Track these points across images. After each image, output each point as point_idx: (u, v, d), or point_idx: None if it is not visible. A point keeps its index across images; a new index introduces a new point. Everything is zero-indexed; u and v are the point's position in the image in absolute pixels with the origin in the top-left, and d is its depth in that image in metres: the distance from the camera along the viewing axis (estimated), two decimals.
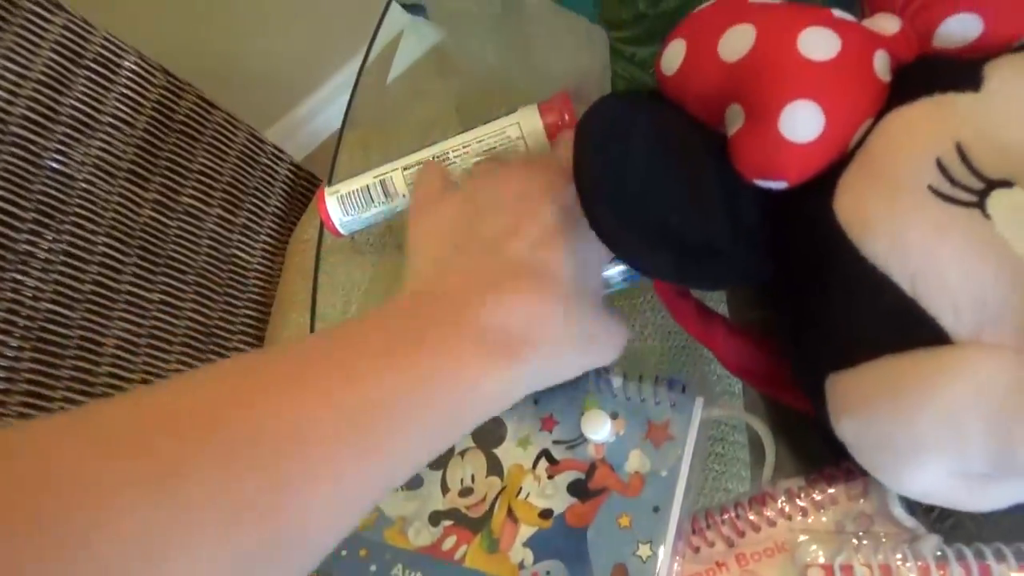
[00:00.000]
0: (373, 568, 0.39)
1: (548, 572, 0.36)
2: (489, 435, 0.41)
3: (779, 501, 0.35)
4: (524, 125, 0.45)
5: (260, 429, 0.25)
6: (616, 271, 0.39)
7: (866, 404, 0.29)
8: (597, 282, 0.35)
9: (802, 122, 0.29)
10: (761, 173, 0.31)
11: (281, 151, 0.91)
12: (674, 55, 0.33)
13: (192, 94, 0.83)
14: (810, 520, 0.34)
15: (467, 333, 0.30)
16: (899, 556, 0.32)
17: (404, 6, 0.54)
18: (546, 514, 0.37)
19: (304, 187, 0.94)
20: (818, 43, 0.29)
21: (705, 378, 0.43)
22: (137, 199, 0.79)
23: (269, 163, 0.89)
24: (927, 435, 0.27)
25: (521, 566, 0.37)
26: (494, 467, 0.40)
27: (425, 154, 0.46)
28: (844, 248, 0.30)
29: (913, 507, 0.33)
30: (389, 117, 0.68)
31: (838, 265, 0.30)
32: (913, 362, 0.28)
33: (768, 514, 0.34)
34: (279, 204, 0.91)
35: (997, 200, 0.27)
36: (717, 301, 0.44)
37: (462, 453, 0.41)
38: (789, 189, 0.31)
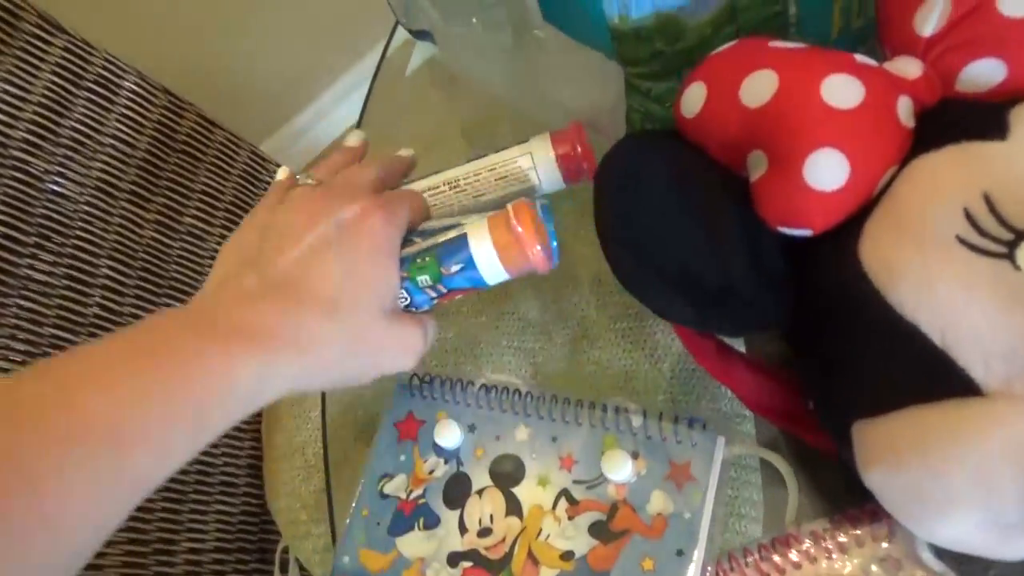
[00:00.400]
0: None
1: None
2: (507, 474, 0.41)
3: (804, 543, 0.34)
4: (536, 155, 0.44)
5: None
6: (423, 298, 0.40)
7: (895, 455, 0.28)
8: (381, 293, 0.38)
9: (827, 170, 0.29)
10: (785, 221, 0.31)
11: None
12: (694, 98, 0.33)
13: (193, 113, 0.82)
14: (836, 564, 0.33)
15: (215, 334, 0.34)
16: None
17: (411, 32, 0.53)
18: (567, 556, 0.37)
19: None
20: (841, 91, 0.29)
21: (722, 412, 0.43)
22: (139, 220, 0.78)
23: (272, 182, 0.89)
24: (959, 489, 0.27)
25: None
26: (513, 507, 0.40)
27: (436, 179, 0.45)
28: (870, 295, 0.30)
29: (941, 550, 0.33)
30: (393, 132, 0.67)
31: (863, 311, 0.30)
32: (943, 414, 0.27)
33: (793, 557, 0.34)
34: None
35: None
36: None
37: (480, 492, 0.41)
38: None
